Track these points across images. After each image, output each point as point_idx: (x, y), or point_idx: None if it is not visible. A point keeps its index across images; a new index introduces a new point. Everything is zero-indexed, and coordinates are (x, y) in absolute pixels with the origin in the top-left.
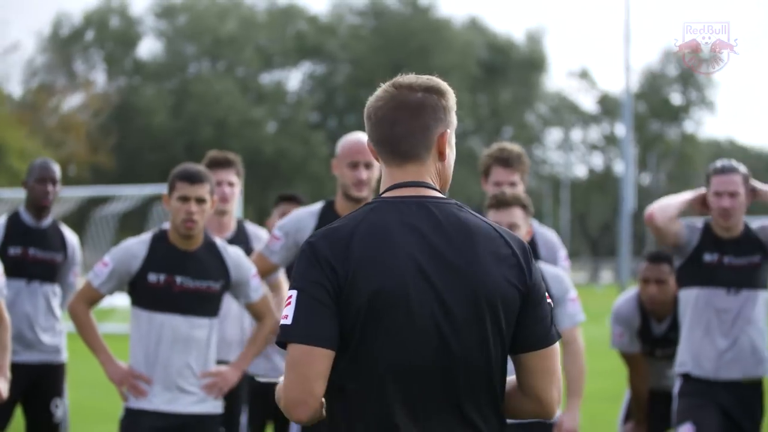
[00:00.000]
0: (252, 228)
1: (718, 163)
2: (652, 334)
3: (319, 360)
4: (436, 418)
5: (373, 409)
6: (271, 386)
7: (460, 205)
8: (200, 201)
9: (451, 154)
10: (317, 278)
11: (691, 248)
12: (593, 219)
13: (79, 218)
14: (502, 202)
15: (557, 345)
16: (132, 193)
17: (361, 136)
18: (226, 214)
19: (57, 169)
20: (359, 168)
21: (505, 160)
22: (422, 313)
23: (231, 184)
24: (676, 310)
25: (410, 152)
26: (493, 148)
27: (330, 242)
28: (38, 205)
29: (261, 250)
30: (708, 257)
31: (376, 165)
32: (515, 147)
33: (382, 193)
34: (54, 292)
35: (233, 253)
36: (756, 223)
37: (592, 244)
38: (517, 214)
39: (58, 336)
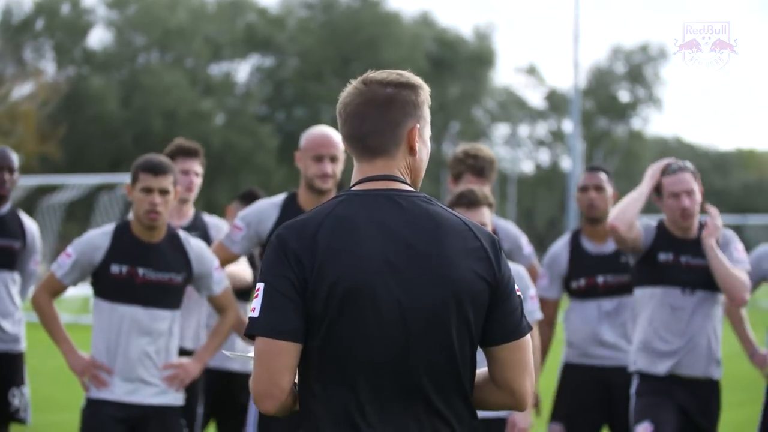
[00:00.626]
0: (209, 218)
1: (665, 161)
2: (589, 255)
3: (285, 353)
4: (405, 411)
5: (340, 403)
6: (225, 376)
7: (428, 199)
8: (163, 192)
9: (423, 148)
10: (283, 271)
11: (646, 248)
12: (540, 215)
13: (26, 207)
14: (473, 202)
15: (529, 337)
16: (79, 182)
17: (326, 129)
18: (186, 203)
19: (15, 158)
20: (324, 161)
21: (480, 170)
22: (389, 307)
23: (197, 174)
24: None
25: (379, 148)
26: (466, 153)
27: (297, 235)
28: None
29: (222, 240)
30: (663, 256)
31: (341, 159)
32: (487, 153)
33: (352, 186)
34: (13, 279)
35: (196, 246)
36: (722, 232)
37: (539, 240)
38: (486, 213)
39: (17, 325)
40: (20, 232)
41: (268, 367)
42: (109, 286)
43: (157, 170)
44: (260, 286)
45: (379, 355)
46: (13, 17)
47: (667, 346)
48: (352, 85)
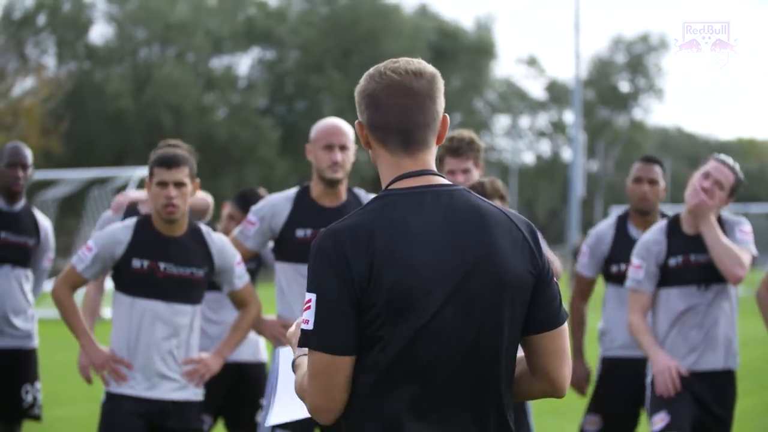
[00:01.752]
0: None
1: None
2: (633, 241)
3: (342, 368)
4: (461, 409)
5: (395, 407)
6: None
7: (468, 191)
8: (179, 185)
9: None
10: (338, 282)
11: (662, 259)
12: (541, 206)
13: None
14: (483, 196)
15: (566, 325)
16: (73, 177)
17: (335, 120)
18: None
19: (28, 154)
20: (334, 150)
21: (456, 150)
22: (445, 307)
23: None
24: None
25: (424, 141)
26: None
27: (350, 242)
28: (9, 190)
29: (236, 235)
30: (673, 261)
31: (351, 148)
32: (466, 133)
33: (391, 183)
34: (26, 276)
35: (218, 240)
36: (729, 217)
37: (540, 231)
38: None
39: (30, 321)
40: (34, 229)
41: (325, 382)
42: (130, 281)
43: (171, 163)
44: (312, 297)
45: (436, 357)
46: (15, 12)
47: (684, 343)
48: (378, 73)
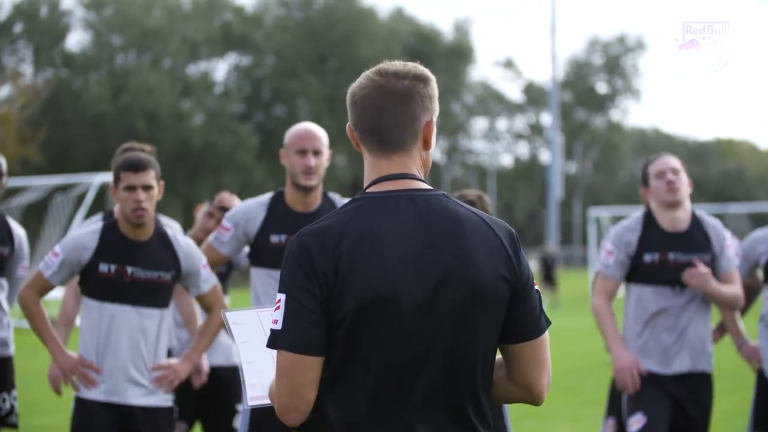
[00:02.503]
0: (165, 219)
1: (652, 156)
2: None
3: (309, 367)
4: (426, 414)
5: (362, 409)
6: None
7: (447, 196)
8: (147, 188)
9: (434, 142)
10: (305, 283)
11: (634, 248)
12: (519, 208)
13: None
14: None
15: (547, 334)
16: (37, 183)
17: (309, 125)
18: None
19: (2, 162)
20: (307, 155)
21: None
22: (414, 314)
23: None
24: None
25: (398, 142)
26: None
27: (319, 243)
28: None
29: (210, 241)
30: (648, 257)
31: (325, 153)
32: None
33: (368, 186)
34: (1, 285)
35: (184, 243)
36: (709, 219)
37: (519, 233)
38: None
39: (5, 329)
40: (8, 238)
41: (292, 381)
42: (97, 285)
43: (138, 167)
44: (281, 297)
45: (401, 360)
46: None
47: (657, 344)
48: (366, 76)
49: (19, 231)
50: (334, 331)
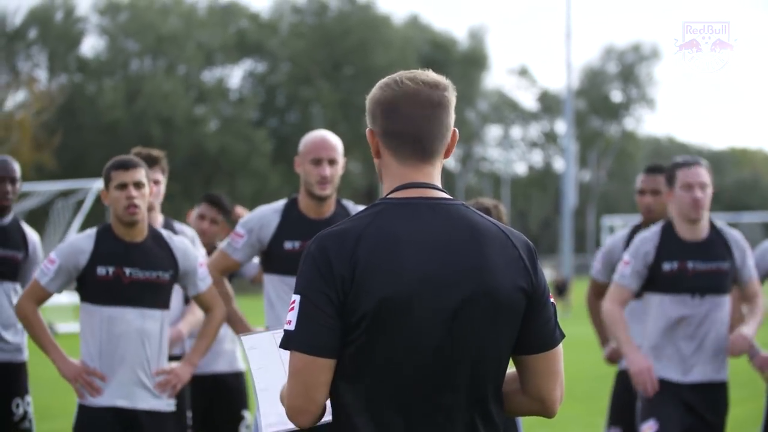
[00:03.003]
0: (179, 225)
1: (680, 160)
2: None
3: (321, 369)
4: (441, 421)
5: (375, 414)
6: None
7: (466, 206)
8: (138, 185)
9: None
10: (321, 285)
11: (652, 257)
12: (533, 216)
13: None
14: None
15: (561, 346)
16: (39, 189)
17: (324, 133)
18: (152, 211)
19: (16, 168)
20: (322, 165)
21: None
22: (429, 321)
23: (156, 182)
24: None
25: (434, 151)
26: None
27: (336, 247)
28: None
29: (223, 247)
30: (667, 266)
31: (340, 162)
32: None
33: (390, 192)
34: (15, 290)
35: (179, 242)
36: (729, 230)
37: (533, 241)
38: None
39: (19, 335)
40: (23, 242)
41: (305, 383)
42: (96, 289)
43: (128, 165)
44: (296, 298)
45: (416, 368)
46: (6, 26)
47: (676, 352)
48: (395, 81)
49: (33, 236)
50: (350, 335)
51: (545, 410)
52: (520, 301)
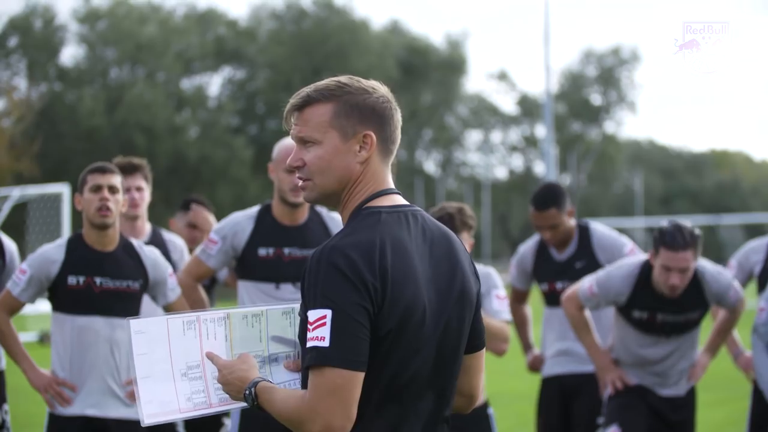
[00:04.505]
0: (167, 234)
1: (668, 235)
2: (553, 261)
3: (359, 384)
4: (435, 418)
5: (393, 419)
6: None
7: (425, 213)
8: (113, 190)
9: None
10: (355, 297)
11: (622, 302)
12: (514, 220)
13: None
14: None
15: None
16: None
17: None
18: (138, 219)
19: None
20: (295, 173)
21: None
22: (432, 328)
23: (139, 189)
24: (579, 240)
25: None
26: None
27: (364, 257)
28: None
29: (198, 254)
30: (637, 314)
31: None
32: (454, 206)
33: (372, 198)
34: None
35: (150, 253)
36: (709, 276)
37: (513, 246)
38: (464, 237)
39: None
40: None
41: (344, 400)
42: (67, 298)
43: (105, 169)
44: (327, 312)
45: (422, 369)
46: None
47: (639, 377)
48: (384, 89)
49: (10, 245)
50: (379, 345)
51: (470, 405)
52: (476, 302)
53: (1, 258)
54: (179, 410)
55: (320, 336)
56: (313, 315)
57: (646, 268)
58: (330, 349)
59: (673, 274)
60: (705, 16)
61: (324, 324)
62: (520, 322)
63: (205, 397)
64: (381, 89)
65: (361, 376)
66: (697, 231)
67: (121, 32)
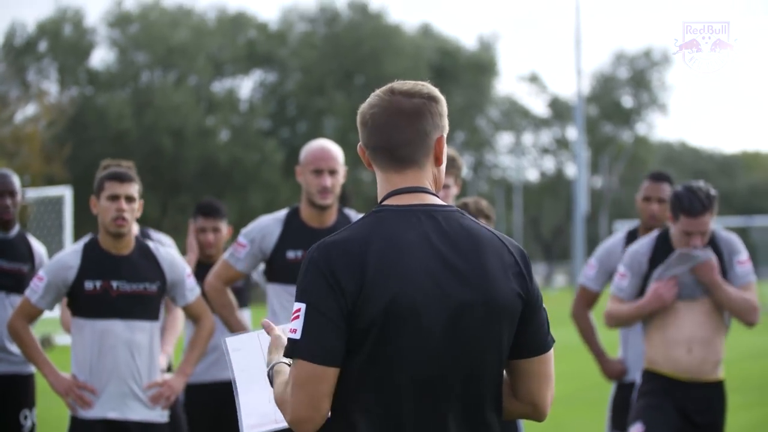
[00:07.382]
0: (155, 234)
1: (686, 200)
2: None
3: (328, 379)
4: (446, 425)
5: (385, 419)
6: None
7: (461, 213)
8: (130, 199)
9: (445, 158)
10: (327, 293)
11: (644, 271)
12: (546, 223)
13: None
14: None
15: (552, 350)
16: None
17: (325, 143)
18: None
19: (15, 181)
20: (323, 175)
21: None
22: (435, 325)
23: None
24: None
25: (409, 158)
26: None
27: (342, 255)
28: (0, 219)
29: (226, 257)
30: (657, 274)
31: (341, 172)
32: (448, 151)
33: (383, 200)
34: None
35: (166, 254)
36: (724, 234)
37: (545, 248)
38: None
39: None
40: (29, 255)
41: (310, 392)
42: (85, 303)
43: (123, 178)
44: (301, 306)
45: (424, 373)
46: (16, 39)
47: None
48: (376, 96)
49: (39, 248)
50: (357, 342)
51: (537, 413)
52: (517, 306)
53: (30, 261)
54: (275, 421)
55: (294, 328)
56: (294, 307)
57: (661, 232)
58: (300, 342)
59: (694, 236)
60: (733, 13)
61: (298, 317)
62: (587, 328)
63: None
64: (381, 96)
65: (332, 371)
66: (713, 190)
67: (152, 36)
